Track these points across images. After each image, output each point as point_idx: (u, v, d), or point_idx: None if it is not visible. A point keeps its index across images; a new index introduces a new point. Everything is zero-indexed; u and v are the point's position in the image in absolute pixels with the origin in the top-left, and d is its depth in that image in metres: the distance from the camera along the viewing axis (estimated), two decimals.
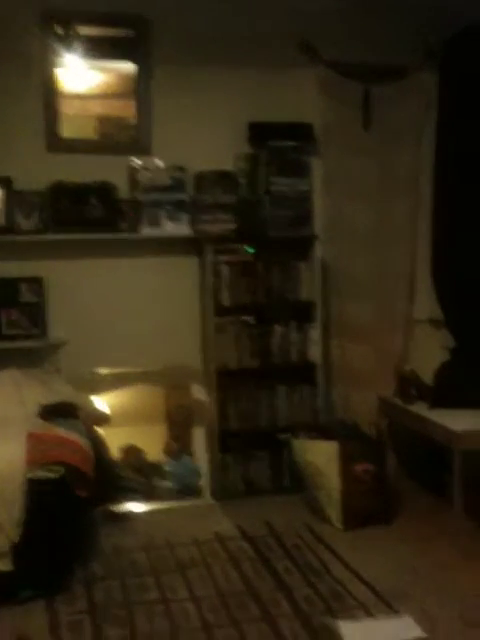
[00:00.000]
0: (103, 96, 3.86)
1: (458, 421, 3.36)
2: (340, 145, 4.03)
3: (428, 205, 4.09)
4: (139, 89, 3.81)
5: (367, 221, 4.09)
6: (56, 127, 3.71)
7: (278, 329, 3.85)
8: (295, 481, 3.74)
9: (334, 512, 3.38)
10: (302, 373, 3.88)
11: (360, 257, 4.09)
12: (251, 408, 3.82)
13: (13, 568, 2.64)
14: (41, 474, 2.74)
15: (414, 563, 2.97)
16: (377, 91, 4.04)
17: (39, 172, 3.63)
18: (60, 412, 3.15)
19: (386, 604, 2.63)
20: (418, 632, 2.44)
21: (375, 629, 2.50)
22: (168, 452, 3.79)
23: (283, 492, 3.79)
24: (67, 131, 3.73)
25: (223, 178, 3.83)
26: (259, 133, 3.89)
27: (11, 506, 2.66)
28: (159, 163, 3.80)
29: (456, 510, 3.11)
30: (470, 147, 3.82)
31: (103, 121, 3.85)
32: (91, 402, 3.58)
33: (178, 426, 3.82)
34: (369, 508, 3.39)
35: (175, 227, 3.79)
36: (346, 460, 3.39)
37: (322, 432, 3.62)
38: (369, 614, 2.57)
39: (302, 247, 3.91)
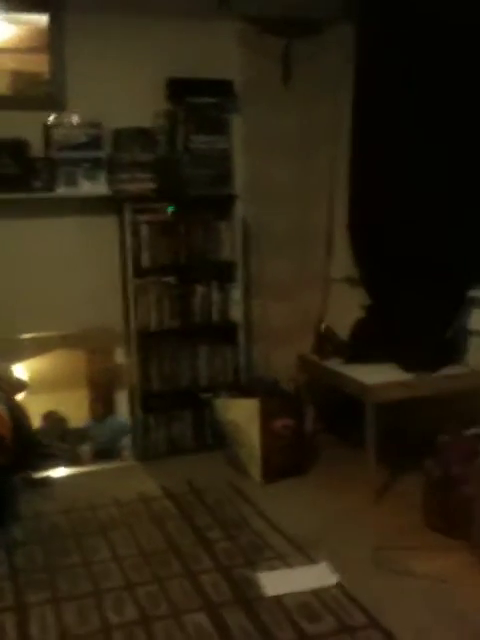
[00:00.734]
0: (16, 50, 3.69)
1: (371, 375, 3.46)
2: (259, 101, 4.01)
3: (345, 162, 4.14)
4: (53, 42, 3.66)
5: (287, 179, 4.11)
6: None
7: (199, 289, 3.86)
8: (217, 439, 3.81)
9: (254, 467, 3.48)
10: (223, 333, 3.93)
11: (280, 216, 4.13)
12: (173, 368, 3.84)
13: None
14: None
15: (329, 511, 3.11)
16: (296, 46, 4.01)
17: None
18: None
19: (303, 553, 2.76)
20: (333, 578, 2.57)
21: (292, 578, 2.61)
22: (94, 414, 3.79)
23: (206, 450, 3.85)
24: None
25: (141, 135, 3.76)
26: (178, 89, 3.83)
27: None
28: (75, 119, 3.69)
29: (369, 459, 3.25)
30: (385, 102, 3.82)
31: (16, 76, 3.69)
32: (7, 369, 3.52)
33: (101, 390, 3.81)
34: (288, 462, 3.50)
35: (92, 186, 3.70)
36: (266, 416, 3.48)
37: (243, 390, 3.70)
38: (287, 564, 2.69)
39: (223, 206, 3.90)
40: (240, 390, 3.70)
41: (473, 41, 3.24)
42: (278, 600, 2.44)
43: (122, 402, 3.83)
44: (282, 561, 2.71)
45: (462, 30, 3.24)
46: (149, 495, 3.32)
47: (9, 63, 3.70)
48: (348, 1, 3.93)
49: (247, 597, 2.47)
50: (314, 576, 2.62)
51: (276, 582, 2.57)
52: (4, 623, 2.34)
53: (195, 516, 3.10)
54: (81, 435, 3.73)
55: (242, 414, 3.52)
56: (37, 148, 3.64)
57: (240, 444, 3.55)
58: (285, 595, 2.46)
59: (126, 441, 3.77)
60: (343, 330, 4.00)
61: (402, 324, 3.66)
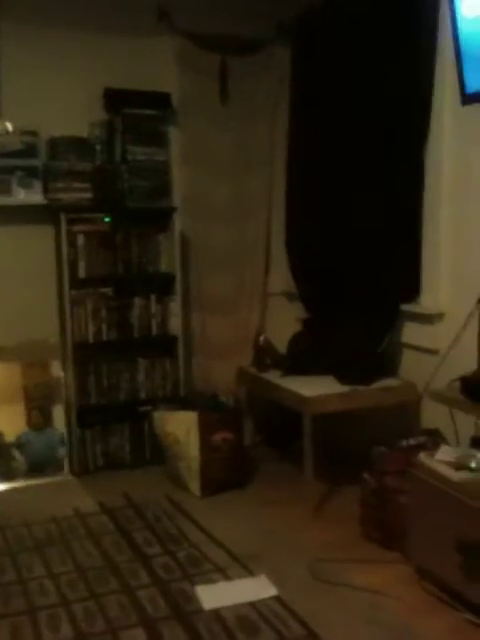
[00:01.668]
0: None
1: (308, 387, 3.49)
2: (198, 116, 4.03)
3: (282, 180, 4.21)
4: None
5: (224, 194, 4.14)
6: None
7: (138, 302, 3.84)
8: (156, 453, 3.77)
9: (193, 481, 3.46)
10: (162, 346, 3.91)
11: (218, 230, 4.15)
12: (111, 382, 3.80)
13: None
14: None
15: (268, 525, 3.11)
16: (233, 64, 4.06)
17: None
18: None
19: (242, 566, 2.75)
20: (271, 591, 2.57)
21: (231, 590, 2.60)
22: (31, 424, 3.69)
23: (144, 465, 3.81)
24: None
25: (78, 144, 3.73)
26: (115, 100, 3.81)
27: None
28: (9, 126, 3.62)
29: (307, 474, 3.27)
30: (319, 123, 3.91)
31: None
32: None
33: (36, 403, 3.72)
34: (227, 475, 3.49)
35: (27, 195, 3.65)
36: (204, 430, 3.47)
37: (182, 403, 3.68)
38: (225, 577, 2.68)
39: (161, 219, 3.90)
40: (179, 403, 3.68)
41: (403, 64, 3.35)
42: (216, 613, 2.42)
43: (58, 415, 3.75)
44: (220, 574, 2.70)
45: (397, 48, 3.35)
46: (86, 511, 3.26)
47: None
48: (282, 22, 4.02)
49: (185, 611, 2.45)
50: (252, 589, 2.61)
51: (214, 595, 2.55)
52: None
53: (133, 531, 3.06)
54: (14, 448, 3.63)
55: (181, 427, 3.50)
56: None
57: (179, 458, 3.53)
58: (223, 608, 2.45)
59: (62, 455, 3.69)
60: (281, 343, 4.04)
61: (337, 338, 3.72)
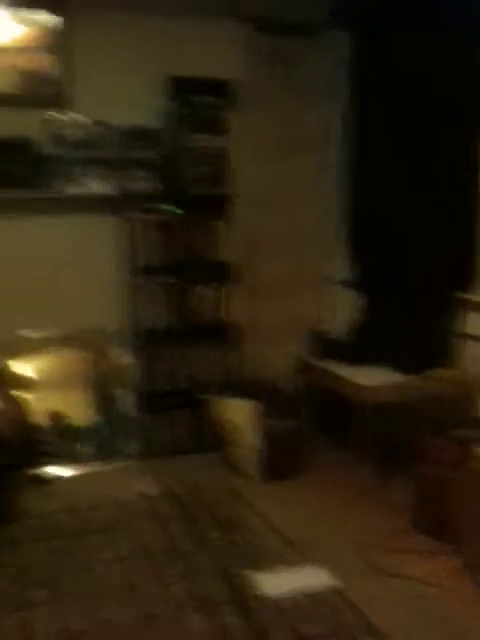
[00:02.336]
0: (23, 49, 3.69)
1: (366, 377, 3.53)
2: (256, 102, 4.04)
3: (342, 164, 4.18)
4: (62, 42, 3.68)
5: (282, 180, 4.15)
6: None
7: (198, 289, 3.90)
8: (215, 439, 3.85)
9: (251, 468, 3.54)
10: (221, 333, 3.97)
11: (275, 216, 4.17)
12: (171, 368, 3.89)
13: None
14: None
15: (324, 513, 3.17)
16: (292, 48, 4.05)
17: None
18: None
19: (299, 553, 2.82)
20: (329, 579, 2.63)
21: (290, 578, 2.68)
22: (97, 410, 3.82)
23: (204, 450, 3.89)
24: None
25: (145, 134, 3.80)
26: (179, 88, 3.85)
27: None
28: (80, 118, 3.71)
29: (362, 463, 3.30)
30: (380, 106, 3.87)
31: (24, 74, 3.69)
32: (11, 366, 3.55)
33: (101, 389, 3.84)
34: (284, 463, 3.55)
35: (95, 184, 3.74)
36: (262, 417, 3.54)
37: (240, 391, 3.75)
38: (284, 564, 2.75)
39: (220, 206, 3.93)
40: (237, 391, 3.75)
41: (467, 47, 3.29)
42: (275, 601, 2.50)
43: (122, 401, 3.87)
44: (279, 561, 2.78)
45: (456, 36, 3.29)
46: (150, 495, 3.37)
47: (17, 62, 3.70)
48: (342, 8, 3.97)
49: (244, 597, 2.53)
50: (310, 577, 2.68)
51: (273, 582, 2.63)
52: (7, 620, 2.38)
53: (195, 516, 3.15)
54: (81, 434, 3.76)
55: (239, 415, 3.58)
56: (43, 146, 3.66)
57: (237, 444, 3.61)
58: (281, 595, 2.52)
59: (126, 441, 3.82)
60: (339, 331, 4.07)
61: (395, 327, 3.72)
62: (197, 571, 2.71)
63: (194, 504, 3.28)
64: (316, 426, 4.00)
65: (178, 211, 3.83)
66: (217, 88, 3.91)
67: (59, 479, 3.55)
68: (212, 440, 3.89)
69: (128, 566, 2.74)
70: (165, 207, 3.82)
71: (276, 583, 2.63)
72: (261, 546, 2.89)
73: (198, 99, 3.85)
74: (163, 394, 3.88)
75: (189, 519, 3.13)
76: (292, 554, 2.83)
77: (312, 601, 2.51)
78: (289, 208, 4.19)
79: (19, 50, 3.69)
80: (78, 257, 3.85)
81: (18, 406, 3.39)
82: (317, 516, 3.16)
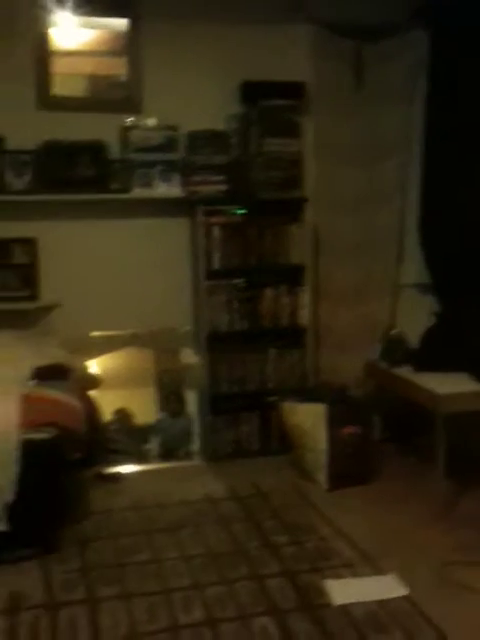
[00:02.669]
0: (95, 53, 3.79)
1: (441, 384, 3.40)
2: (330, 105, 4.01)
3: (418, 166, 4.09)
4: (131, 46, 3.74)
5: (356, 182, 4.10)
6: (47, 85, 3.65)
7: (268, 292, 3.88)
8: (283, 443, 3.81)
9: (320, 473, 3.47)
10: (291, 336, 3.93)
11: (348, 219, 4.11)
12: (241, 371, 3.87)
13: (8, 528, 2.69)
14: (35, 435, 2.76)
15: (395, 523, 3.07)
16: (368, 50, 3.99)
17: (30, 131, 3.59)
18: (53, 374, 3.17)
19: (369, 562, 2.73)
20: (401, 590, 2.53)
21: (360, 587, 2.59)
22: (166, 409, 3.83)
23: (271, 453, 3.86)
24: (58, 89, 3.67)
25: (215, 138, 3.81)
26: (251, 92, 3.85)
27: (6, 467, 2.69)
28: (151, 122, 3.76)
29: (438, 472, 3.19)
30: (463, 108, 3.78)
31: (94, 79, 3.79)
32: (83, 365, 3.61)
33: (168, 389, 3.85)
34: (354, 470, 3.47)
35: (166, 188, 3.78)
36: (332, 423, 3.47)
37: (310, 395, 3.68)
38: (353, 572, 2.67)
39: (293, 209, 3.90)
40: (307, 395, 3.69)
41: None
42: (345, 609, 2.42)
43: (189, 402, 3.88)
44: (348, 569, 2.69)
45: None
46: (216, 496, 3.35)
47: (89, 66, 3.80)
48: (421, 6, 3.89)
49: (313, 604, 2.46)
50: (382, 587, 2.59)
51: (343, 590, 2.55)
52: (77, 616, 2.39)
53: (261, 519, 3.11)
54: (148, 432, 3.78)
55: (308, 419, 3.52)
56: (114, 149, 3.73)
57: (306, 449, 3.55)
58: (352, 604, 2.44)
59: (192, 441, 3.81)
60: (413, 337, 3.96)
61: (473, 333, 3.59)
62: (264, 575, 2.65)
63: (260, 507, 3.23)
64: (386, 433, 3.90)
65: (248, 214, 3.82)
66: (290, 91, 3.89)
67: (126, 477, 3.57)
68: (279, 444, 3.86)
69: (194, 567, 2.71)
70: (236, 210, 3.82)
71: (346, 591, 2.55)
72: (330, 553, 2.81)
73: (270, 103, 3.83)
74: (231, 396, 3.86)
75: (255, 522, 3.09)
76: (362, 562, 2.74)
77: (384, 611, 2.42)
78: (363, 211, 4.12)
79: (90, 55, 3.79)
80: (150, 259, 3.89)
81: (91, 405, 3.43)
82: (387, 525, 3.05)
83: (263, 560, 2.76)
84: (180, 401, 3.86)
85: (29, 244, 3.69)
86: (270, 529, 3.02)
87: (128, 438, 3.74)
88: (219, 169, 3.79)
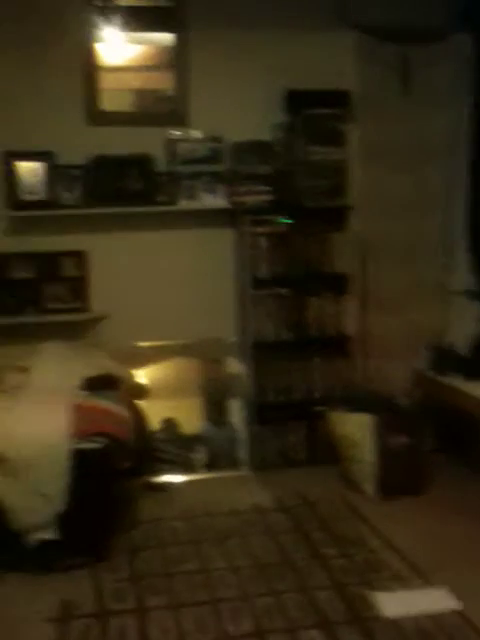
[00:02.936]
0: (141, 68, 3.84)
1: None
2: (376, 111, 3.97)
3: (465, 171, 4.02)
4: (177, 60, 3.78)
5: (402, 189, 4.05)
6: (96, 100, 3.71)
7: (314, 301, 3.87)
8: (330, 453, 3.77)
9: (368, 484, 3.44)
10: (337, 345, 3.90)
11: (395, 226, 4.07)
12: (287, 380, 3.86)
13: (59, 537, 2.74)
14: (85, 445, 2.81)
15: (447, 535, 3.02)
16: (414, 55, 3.95)
17: (79, 145, 3.65)
18: (102, 384, 3.22)
19: (420, 575, 2.69)
20: (453, 604, 2.49)
21: (411, 600, 2.55)
22: (209, 419, 3.85)
23: (317, 463, 3.84)
24: (106, 104, 3.73)
25: (260, 148, 3.82)
26: (296, 101, 3.85)
27: (57, 476, 2.75)
28: (196, 134, 3.80)
29: None
30: None
31: (141, 93, 3.84)
32: (132, 375, 3.66)
33: (214, 398, 3.87)
34: (403, 480, 3.43)
35: (212, 199, 3.81)
36: (381, 433, 3.43)
37: (357, 404, 3.65)
38: (404, 585, 2.63)
39: (338, 217, 3.88)
40: (354, 404, 3.65)
41: None
42: (395, 622, 2.39)
43: (234, 411, 3.89)
44: (399, 582, 2.66)
45: None
46: (263, 506, 3.35)
47: (135, 80, 3.85)
48: (466, 10, 3.84)
49: (363, 617, 2.44)
50: (433, 600, 2.55)
51: (394, 603, 2.52)
52: (126, 625, 2.42)
53: (309, 530, 3.09)
54: (194, 442, 3.80)
55: (356, 429, 3.49)
56: (161, 162, 3.77)
57: (354, 460, 3.52)
58: (402, 618, 2.41)
59: (239, 450, 3.82)
60: (462, 345, 3.90)
61: None
62: (312, 587, 2.64)
63: (308, 518, 3.22)
64: (436, 443, 3.83)
65: (294, 223, 3.82)
66: (335, 99, 3.87)
67: (173, 486, 3.59)
68: (326, 453, 3.82)
69: (242, 577, 2.71)
70: (281, 220, 3.82)
71: (396, 604, 2.52)
72: (380, 565, 2.79)
73: (315, 111, 3.83)
74: (277, 406, 3.85)
75: (303, 533, 3.07)
76: (413, 575, 2.71)
77: (435, 625, 2.38)
78: (410, 217, 4.07)
79: (135, 69, 3.83)
80: (196, 270, 3.93)
81: (140, 414, 3.47)
82: (438, 537, 3.00)
83: (311, 572, 2.75)
84: (223, 411, 3.87)
85: (79, 257, 3.76)
86: (318, 540, 3.00)
87: (175, 447, 3.76)
88: (264, 179, 3.80)
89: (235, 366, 3.87)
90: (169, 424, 3.81)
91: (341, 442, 3.61)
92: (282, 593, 2.59)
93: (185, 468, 3.73)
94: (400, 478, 3.42)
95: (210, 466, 3.77)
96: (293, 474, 3.74)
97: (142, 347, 3.81)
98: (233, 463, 3.80)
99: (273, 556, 2.88)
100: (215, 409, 3.88)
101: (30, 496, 2.72)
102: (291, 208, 3.82)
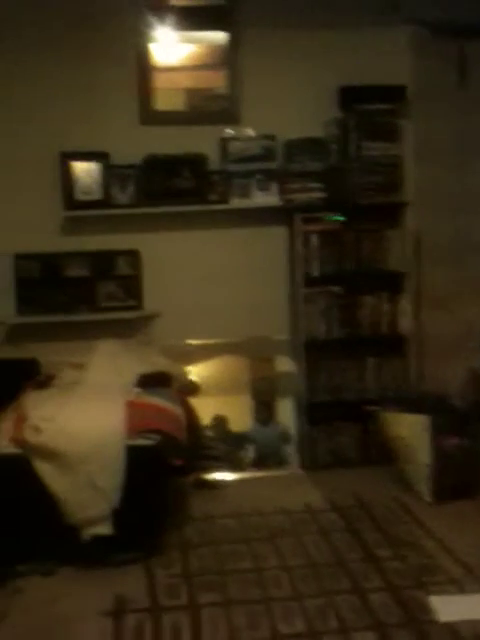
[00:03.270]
0: (194, 67, 3.85)
1: None
2: (432, 106, 3.90)
3: None
4: (229, 58, 3.79)
5: (459, 185, 3.97)
6: (149, 100, 3.75)
7: (367, 300, 3.82)
8: (383, 453, 3.73)
9: (423, 485, 3.38)
10: (392, 345, 3.85)
11: (451, 223, 3.99)
12: (339, 380, 3.83)
13: (113, 532, 2.76)
14: (140, 441, 2.83)
15: None
16: (472, 48, 3.87)
17: (134, 145, 3.69)
18: (156, 382, 3.25)
19: (477, 579, 2.62)
20: None
21: (468, 605, 2.49)
22: (257, 418, 3.84)
23: (370, 464, 3.80)
24: (159, 104, 3.76)
25: (312, 145, 3.80)
26: (350, 97, 3.81)
27: (112, 472, 2.78)
28: (249, 132, 3.80)
29: None
30: None
31: (193, 92, 3.85)
32: (184, 372, 3.68)
33: (263, 396, 3.86)
34: (459, 482, 3.36)
35: (264, 197, 3.80)
36: (436, 434, 3.36)
37: (411, 405, 3.59)
38: (461, 589, 2.58)
39: (393, 214, 3.84)
40: (409, 404, 3.60)
41: None
42: (452, 627, 2.34)
43: (282, 410, 3.86)
44: (456, 586, 2.60)
45: None
46: (315, 506, 3.32)
47: (187, 80, 3.87)
48: None
49: (418, 620, 2.39)
50: None
51: (450, 608, 2.47)
52: (179, 621, 2.43)
53: (362, 531, 3.05)
54: (243, 439, 3.80)
55: (410, 430, 3.43)
56: (213, 161, 3.78)
57: (408, 461, 3.46)
58: (459, 622, 2.36)
59: (289, 449, 3.80)
60: None
61: None
62: (366, 589, 2.60)
63: (361, 519, 3.18)
64: None
65: (347, 220, 3.78)
66: (390, 94, 3.82)
67: (224, 484, 3.59)
68: (379, 454, 3.78)
69: (294, 577, 2.69)
70: (334, 217, 3.79)
71: (452, 608, 2.47)
72: (436, 569, 2.73)
73: (370, 107, 3.78)
74: (328, 405, 3.83)
75: (356, 534, 3.04)
76: (469, 579, 2.64)
77: None
78: (467, 214, 3.99)
79: (188, 69, 3.85)
80: (247, 268, 3.92)
81: (192, 412, 3.49)
82: None
83: (365, 573, 2.71)
84: (272, 409, 3.85)
85: (132, 256, 3.80)
86: (372, 542, 2.96)
87: (224, 445, 3.77)
88: (316, 176, 3.78)
89: (285, 364, 3.85)
90: (218, 421, 3.81)
91: (395, 443, 3.55)
92: (335, 594, 2.57)
93: (233, 466, 3.73)
94: (455, 480, 3.34)
95: (258, 464, 3.76)
96: (345, 474, 3.71)
97: (193, 344, 3.83)
98: (281, 462, 3.79)
99: (326, 556, 2.85)
100: (264, 407, 3.87)
101: (85, 491, 2.76)
102: (344, 205, 3.78)
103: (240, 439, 3.80)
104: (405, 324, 3.84)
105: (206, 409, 3.78)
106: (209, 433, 3.78)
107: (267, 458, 3.79)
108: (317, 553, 2.88)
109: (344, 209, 3.79)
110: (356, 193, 3.77)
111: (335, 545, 2.94)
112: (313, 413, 3.81)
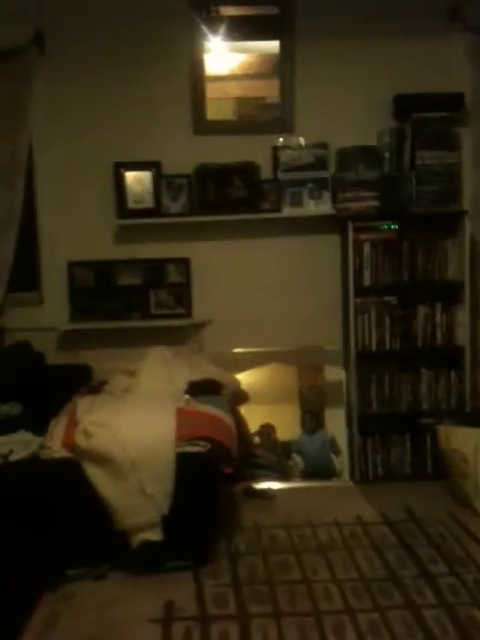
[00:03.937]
0: (246, 76, 3.88)
1: None
2: None
3: None
4: (282, 67, 3.79)
5: None
6: (202, 110, 3.78)
7: (422, 310, 3.75)
8: (438, 467, 3.65)
9: (479, 501, 3.27)
10: (448, 357, 3.76)
11: None
12: (393, 391, 3.76)
13: (162, 538, 2.75)
14: (190, 449, 2.82)
15: None
16: None
17: (186, 155, 3.73)
18: (206, 389, 3.24)
19: None
20: None
21: None
22: (304, 428, 3.80)
23: (424, 478, 3.72)
24: (212, 113, 3.79)
25: (366, 153, 3.76)
26: (405, 105, 3.77)
27: (162, 479, 2.77)
28: (302, 141, 3.78)
29: None
30: None
31: (246, 101, 3.88)
32: (234, 380, 3.66)
33: (312, 406, 3.81)
34: None
35: (316, 206, 3.78)
36: None
37: (469, 419, 3.50)
38: None
39: (449, 224, 3.77)
40: (465, 418, 3.50)
41: None
42: None
43: (333, 420, 3.81)
44: None
45: None
46: (367, 519, 3.24)
47: (239, 90, 3.90)
48: None
49: (474, 638, 2.31)
50: None
51: None
52: (227, 630, 2.39)
53: (416, 546, 2.97)
54: (290, 449, 3.75)
55: (468, 444, 3.33)
56: (266, 170, 3.78)
57: (464, 476, 3.35)
58: None
59: (338, 460, 3.74)
60: None
61: None
62: (419, 605, 2.52)
63: (414, 534, 3.09)
64: None
65: (401, 230, 3.73)
66: (448, 102, 3.77)
67: (273, 493, 3.55)
68: (433, 468, 3.69)
69: (346, 590, 2.63)
70: (387, 226, 3.74)
71: None
72: None
73: (425, 115, 3.73)
74: (381, 417, 3.76)
75: (410, 549, 2.95)
76: None
77: None
78: None
79: (240, 78, 3.87)
80: (299, 277, 3.90)
81: (241, 420, 3.47)
82: None
83: (418, 589, 2.62)
84: (318, 419, 3.80)
85: (183, 264, 3.83)
86: (426, 558, 2.87)
87: (272, 454, 3.73)
88: (370, 185, 3.73)
89: (335, 374, 3.80)
90: (266, 430, 3.78)
91: (450, 457, 3.45)
92: (387, 609, 2.49)
93: (281, 475, 3.69)
94: None
95: (306, 475, 3.71)
96: (397, 488, 3.64)
97: (242, 353, 3.82)
98: (329, 473, 3.73)
99: (378, 571, 2.77)
100: (312, 417, 3.82)
101: (135, 497, 2.75)
102: (398, 214, 3.73)
103: (287, 448, 3.76)
104: (462, 335, 3.74)
105: (254, 417, 3.76)
106: (256, 441, 3.75)
107: (315, 468, 3.74)
108: (368, 567, 2.80)
109: (399, 218, 3.74)
110: (411, 202, 3.72)
111: (387, 560, 2.86)
112: (365, 424, 3.75)
